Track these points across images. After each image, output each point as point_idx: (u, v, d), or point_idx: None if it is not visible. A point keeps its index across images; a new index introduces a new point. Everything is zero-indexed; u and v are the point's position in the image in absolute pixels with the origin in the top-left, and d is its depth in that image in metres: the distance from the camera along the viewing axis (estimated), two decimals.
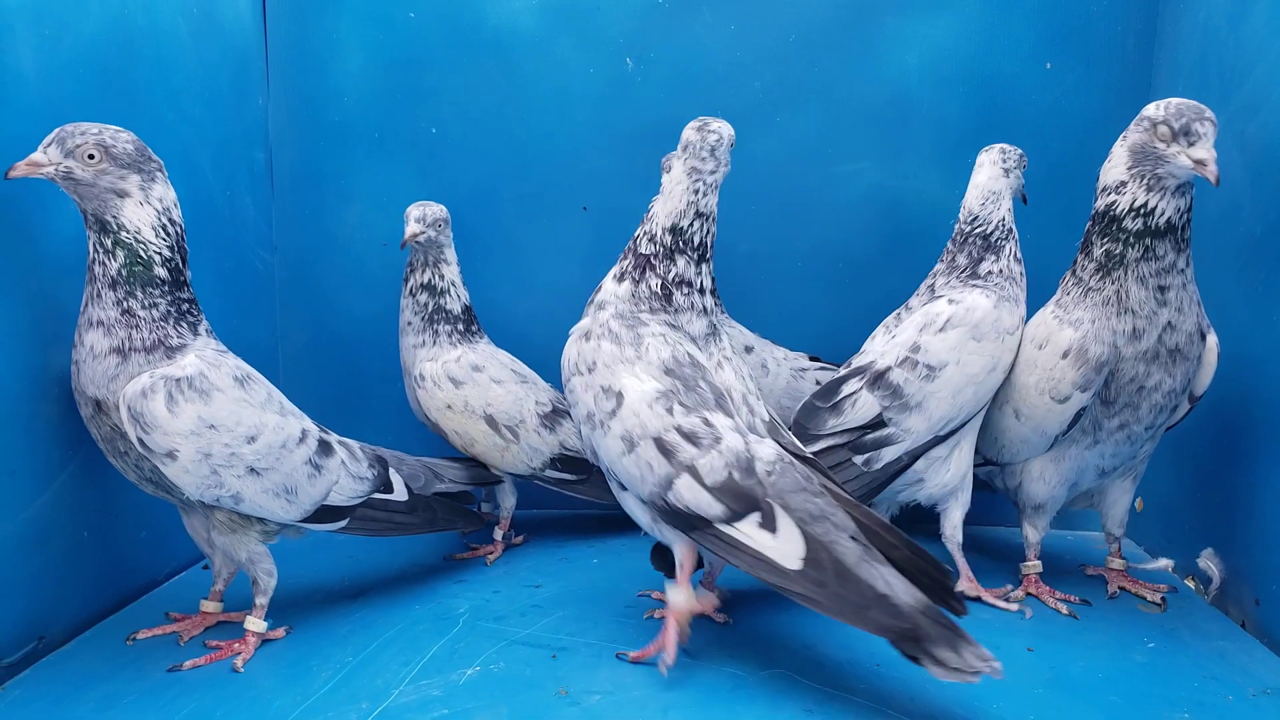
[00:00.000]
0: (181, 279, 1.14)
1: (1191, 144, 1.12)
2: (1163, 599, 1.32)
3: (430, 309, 1.53)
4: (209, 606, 1.27)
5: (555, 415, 1.56)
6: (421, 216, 1.49)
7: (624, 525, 1.65)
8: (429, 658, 1.14)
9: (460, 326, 1.55)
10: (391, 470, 1.34)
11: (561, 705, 1.03)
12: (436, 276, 1.53)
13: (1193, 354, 1.22)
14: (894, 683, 1.07)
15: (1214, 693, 1.08)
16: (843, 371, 1.39)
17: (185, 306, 1.14)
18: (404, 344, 1.57)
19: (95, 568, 1.29)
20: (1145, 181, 1.18)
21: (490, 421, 1.52)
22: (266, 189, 1.75)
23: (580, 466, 1.57)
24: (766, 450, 1.09)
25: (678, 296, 1.18)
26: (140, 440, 1.07)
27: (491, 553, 1.55)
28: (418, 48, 1.71)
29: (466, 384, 1.51)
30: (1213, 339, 1.25)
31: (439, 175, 1.74)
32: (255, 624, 1.20)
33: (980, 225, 1.40)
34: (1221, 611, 1.33)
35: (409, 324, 1.56)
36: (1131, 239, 1.19)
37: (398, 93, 1.73)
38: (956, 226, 1.43)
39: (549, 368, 1.72)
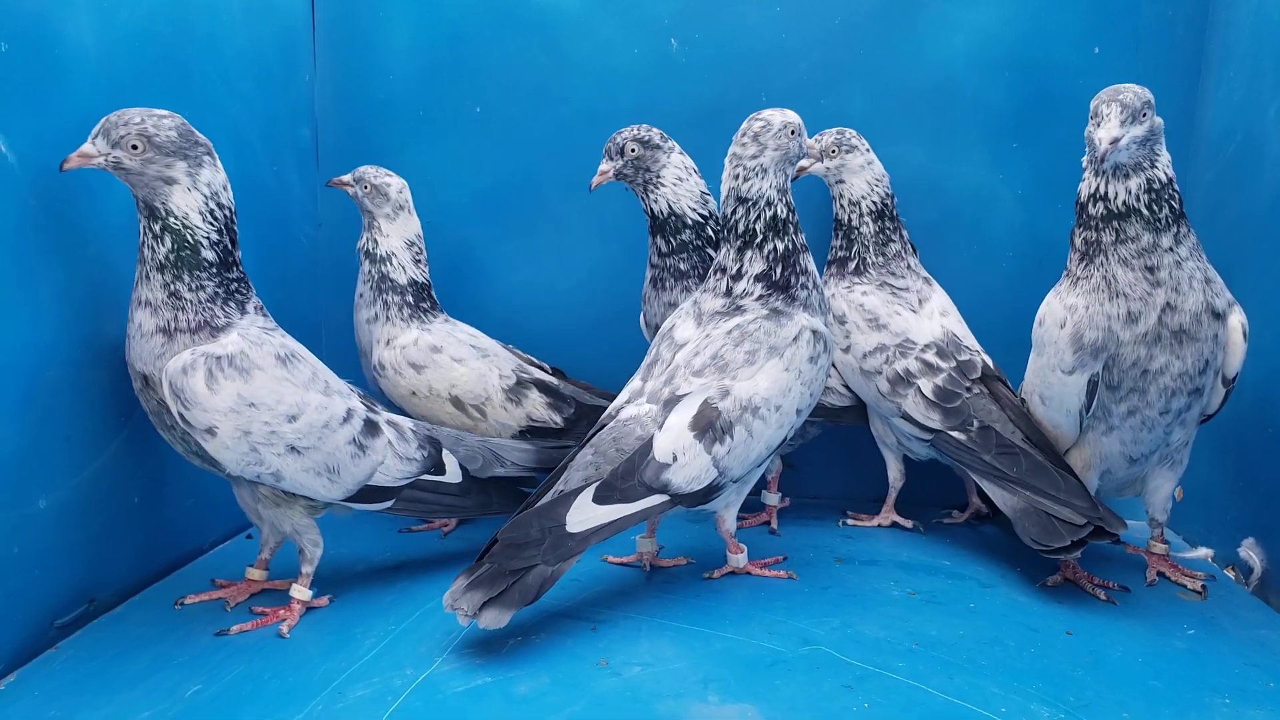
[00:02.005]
0: (230, 259, 1.15)
1: (1098, 125, 1.17)
2: (1203, 587, 1.31)
3: (375, 277, 1.53)
4: (254, 574, 1.29)
5: (520, 387, 1.54)
6: (355, 170, 1.53)
7: None
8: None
9: (410, 298, 1.53)
10: (445, 452, 1.32)
11: (603, 675, 1.04)
12: (371, 242, 1.53)
13: (1202, 334, 1.20)
14: (932, 661, 1.08)
15: (1256, 680, 1.07)
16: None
17: (234, 286, 1.16)
18: (357, 320, 1.56)
19: (144, 534, 1.32)
20: (1093, 167, 1.22)
21: (456, 402, 1.50)
22: (312, 165, 1.76)
23: (548, 435, 1.55)
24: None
25: (712, 279, 1.30)
26: (181, 416, 1.09)
27: (446, 525, 1.57)
28: (463, 26, 1.72)
29: (428, 368, 1.50)
30: (1236, 318, 1.23)
31: (482, 153, 1.75)
32: (301, 592, 1.22)
33: None
34: (1262, 601, 1.32)
35: (360, 295, 1.55)
36: (1100, 224, 1.21)
37: (442, 71, 1.74)
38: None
39: (590, 343, 1.75)
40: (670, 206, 1.47)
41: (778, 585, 1.30)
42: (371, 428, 1.23)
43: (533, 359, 1.63)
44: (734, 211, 1.27)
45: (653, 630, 1.16)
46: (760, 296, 1.26)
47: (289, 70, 1.68)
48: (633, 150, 1.45)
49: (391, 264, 1.52)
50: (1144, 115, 1.18)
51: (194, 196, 1.11)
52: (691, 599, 1.25)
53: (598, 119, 1.71)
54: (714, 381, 1.21)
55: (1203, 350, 1.21)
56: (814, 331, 1.25)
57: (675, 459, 1.16)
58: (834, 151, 1.52)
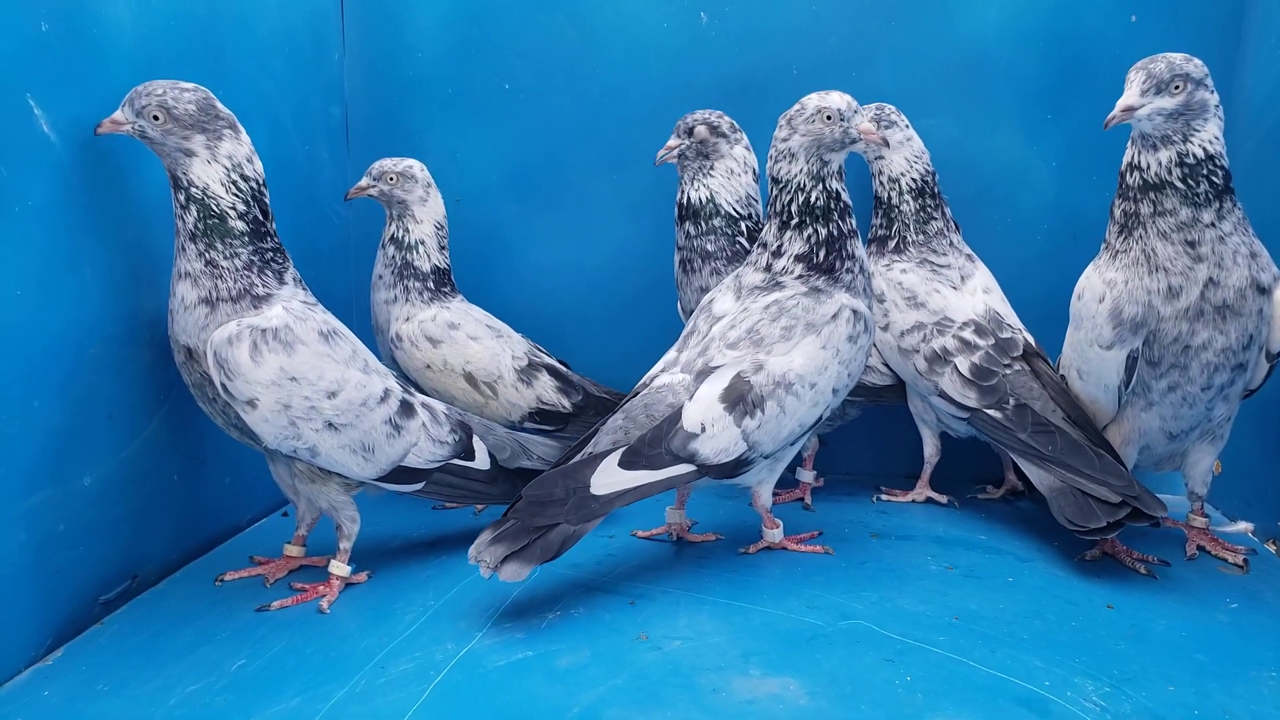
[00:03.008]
0: (263, 230, 1.16)
1: (1125, 93, 1.17)
2: (1244, 560, 1.30)
3: (399, 264, 1.53)
4: (292, 550, 1.30)
5: (531, 369, 1.55)
6: (370, 170, 1.51)
7: None
8: (510, 602, 1.16)
9: (431, 284, 1.53)
10: (475, 438, 1.32)
11: (643, 649, 1.05)
12: (402, 231, 1.52)
13: (1247, 309, 1.19)
14: (973, 635, 1.07)
15: None
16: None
17: (270, 256, 1.16)
18: (375, 299, 1.56)
19: (183, 511, 1.33)
20: (1130, 137, 1.22)
21: (469, 379, 1.51)
22: (342, 144, 1.77)
23: (556, 419, 1.56)
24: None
25: (754, 253, 1.30)
26: (224, 386, 1.10)
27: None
28: (490, 2, 1.72)
29: (444, 342, 1.51)
30: None
31: (511, 131, 1.75)
32: (339, 568, 1.23)
33: None
34: None
35: (379, 277, 1.55)
36: (1137, 194, 1.21)
37: (471, 48, 1.73)
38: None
39: (622, 318, 1.75)
40: (712, 197, 1.47)
41: (814, 560, 1.30)
42: (407, 409, 1.24)
43: (542, 348, 1.64)
44: (771, 190, 1.27)
45: (691, 605, 1.16)
46: (801, 275, 1.25)
47: (319, 50, 1.68)
48: (700, 133, 1.45)
49: (418, 251, 1.53)
50: (1176, 88, 1.16)
51: (215, 168, 1.12)
52: (728, 574, 1.25)
53: (626, 95, 1.71)
54: (748, 355, 1.20)
55: (1247, 325, 1.20)
56: (854, 311, 1.24)
57: (704, 429, 1.16)
58: None
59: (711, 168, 1.46)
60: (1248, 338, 1.21)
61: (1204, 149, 1.18)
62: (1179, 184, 1.18)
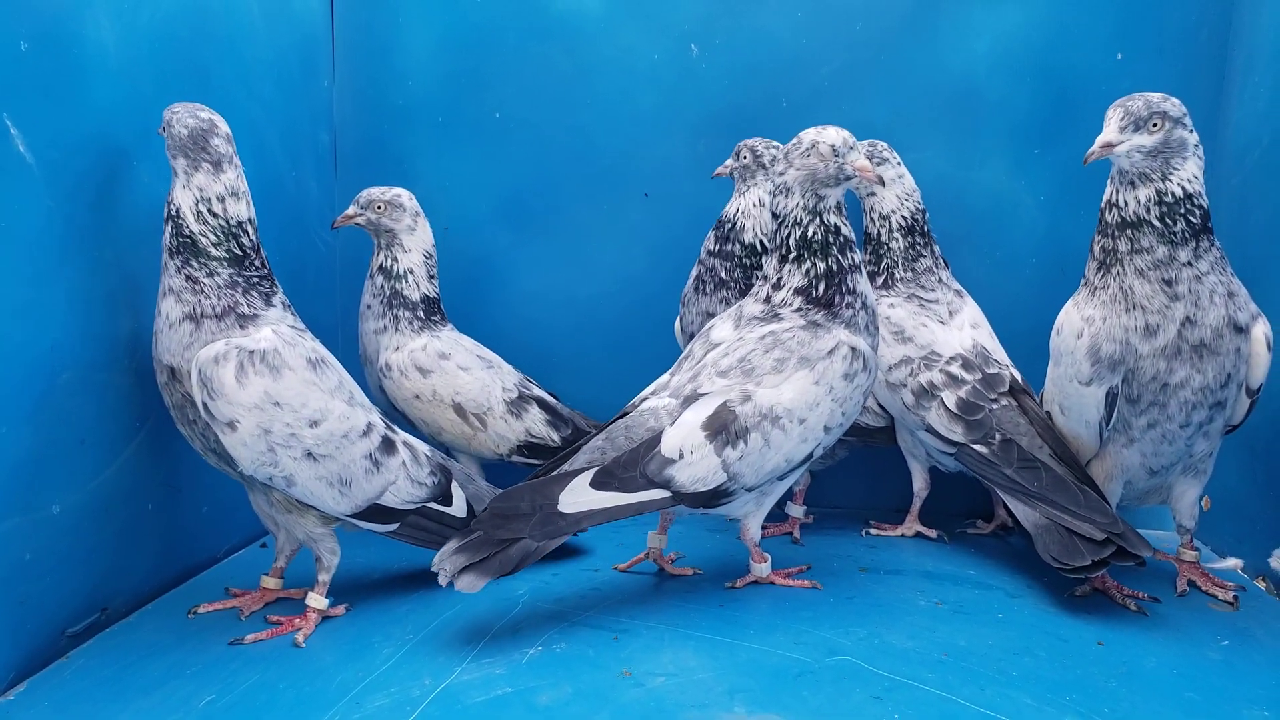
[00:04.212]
0: (243, 260, 1.15)
1: (1103, 130, 1.18)
2: (1234, 597, 1.29)
3: (388, 293, 1.51)
4: (269, 582, 1.27)
5: (521, 401, 1.53)
6: (358, 199, 1.49)
7: None
8: (490, 637, 1.14)
9: (420, 313, 1.52)
10: (454, 484, 1.30)
11: (626, 686, 1.02)
12: (390, 260, 1.51)
13: (1224, 348, 1.18)
14: (962, 672, 1.05)
15: None
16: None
17: (255, 280, 1.15)
18: (363, 330, 1.55)
19: (158, 541, 1.30)
20: (1110, 175, 1.22)
21: (459, 410, 1.50)
22: (330, 170, 1.76)
23: (545, 453, 1.53)
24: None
25: (756, 284, 1.31)
26: (205, 406, 1.08)
27: None
28: (483, 31, 1.72)
29: (434, 372, 1.49)
30: (1261, 329, 1.21)
31: (502, 159, 1.74)
32: (317, 600, 1.20)
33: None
34: None
35: (368, 307, 1.53)
36: (1115, 231, 1.21)
37: (462, 76, 1.73)
38: None
39: (613, 348, 1.74)
40: (739, 219, 1.51)
41: (802, 595, 1.28)
42: (388, 445, 1.22)
43: (533, 380, 1.62)
44: (772, 224, 1.27)
45: (676, 640, 1.14)
46: (799, 309, 1.24)
47: (308, 75, 1.67)
48: (745, 157, 1.51)
49: (407, 281, 1.51)
50: (1154, 125, 1.17)
51: (188, 195, 1.13)
52: (715, 608, 1.23)
53: (618, 125, 1.71)
54: (738, 385, 1.19)
55: (1224, 364, 1.19)
56: (853, 348, 1.21)
57: (682, 456, 1.15)
58: None
59: (747, 191, 1.52)
60: (1225, 376, 1.20)
61: (1182, 188, 1.18)
62: (1156, 222, 1.18)
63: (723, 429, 1.16)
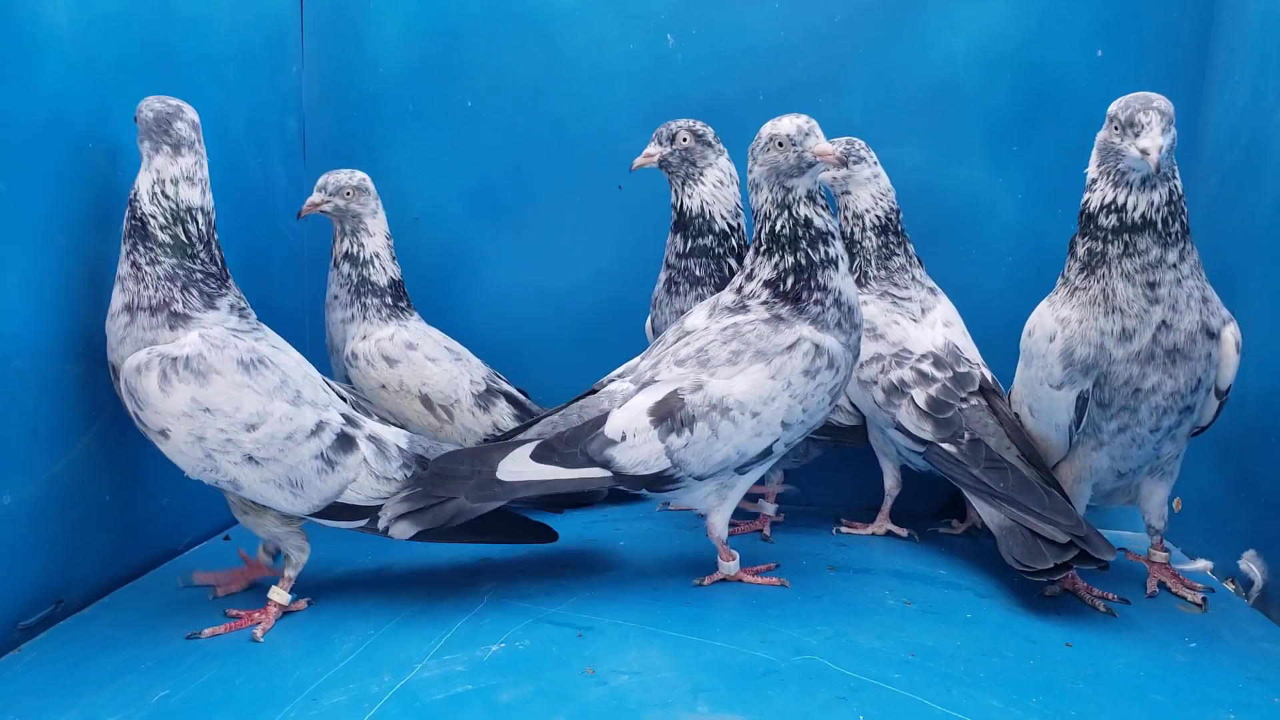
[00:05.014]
0: (188, 250, 1.13)
1: (1137, 134, 1.12)
2: (1203, 599, 1.28)
3: (355, 281, 1.49)
4: (264, 557, 1.28)
5: (489, 395, 1.52)
6: (323, 185, 1.46)
7: (647, 509, 1.64)
8: (453, 633, 1.12)
9: (389, 300, 1.50)
10: None
11: (589, 684, 1.00)
12: (356, 246, 1.49)
13: (1196, 353, 1.18)
14: (929, 673, 1.04)
15: (1260, 694, 1.04)
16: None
17: (197, 276, 1.13)
18: (330, 319, 1.52)
19: (115, 533, 1.28)
20: (1111, 178, 1.18)
21: (425, 401, 1.48)
22: (299, 158, 1.73)
23: None
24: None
25: (735, 276, 1.29)
26: (136, 415, 1.08)
27: None
28: (455, 19, 1.70)
29: (401, 362, 1.47)
30: (1230, 332, 1.20)
31: (473, 149, 1.72)
32: (279, 595, 1.18)
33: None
34: (1263, 614, 1.30)
35: (335, 297, 1.51)
36: (1110, 235, 1.18)
37: (433, 64, 1.71)
38: None
39: (584, 341, 1.72)
40: (703, 207, 1.43)
41: (770, 593, 1.27)
42: (345, 443, 1.17)
43: (501, 375, 1.60)
44: (753, 217, 1.26)
45: (641, 638, 1.12)
46: (766, 301, 1.22)
47: (276, 60, 1.65)
48: (684, 140, 1.42)
49: (374, 266, 1.49)
50: (1172, 123, 1.14)
51: (146, 176, 1.12)
52: (681, 606, 1.21)
53: (592, 116, 1.69)
54: (691, 374, 1.19)
55: (1195, 369, 1.19)
56: (816, 345, 1.19)
57: (624, 438, 1.17)
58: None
59: (701, 175, 1.43)
60: (1195, 381, 1.19)
61: (1180, 184, 1.17)
62: (1160, 223, 1.15)
63: (669, 415, 1.17)
